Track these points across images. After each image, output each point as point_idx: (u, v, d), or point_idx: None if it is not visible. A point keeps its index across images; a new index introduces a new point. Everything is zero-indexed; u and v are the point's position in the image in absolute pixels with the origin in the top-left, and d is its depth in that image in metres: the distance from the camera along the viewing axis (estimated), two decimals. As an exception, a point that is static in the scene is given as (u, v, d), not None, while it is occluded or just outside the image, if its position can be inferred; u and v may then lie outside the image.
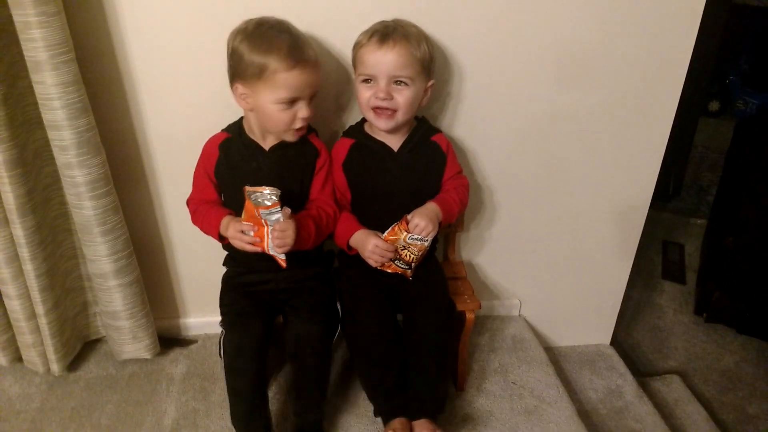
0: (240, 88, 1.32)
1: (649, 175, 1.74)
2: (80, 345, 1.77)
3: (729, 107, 4.02)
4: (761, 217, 2.20)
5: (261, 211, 1.24)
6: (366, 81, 1.36)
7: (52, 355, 1.63)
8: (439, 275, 1.57)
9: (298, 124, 1.33)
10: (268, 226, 1.26)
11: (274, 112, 1.30)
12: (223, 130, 1.44)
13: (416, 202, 1.43)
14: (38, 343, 1.63)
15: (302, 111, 1.31)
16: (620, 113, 1.63)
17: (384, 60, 1.32)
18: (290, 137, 1.36)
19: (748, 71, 3.98)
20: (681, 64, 1.57)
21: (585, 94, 1.59)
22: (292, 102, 1.30)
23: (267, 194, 1.23)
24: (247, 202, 1.25)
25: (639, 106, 1.63)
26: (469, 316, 1.57)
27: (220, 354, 1.42)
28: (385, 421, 1.43)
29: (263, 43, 1.26)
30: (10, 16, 1.25)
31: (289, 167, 1.41)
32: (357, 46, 1.37)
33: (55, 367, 1.65)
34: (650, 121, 1.65)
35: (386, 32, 1.33)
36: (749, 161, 2.37)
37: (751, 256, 2.25)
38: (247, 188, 1.24)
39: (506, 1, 1.45)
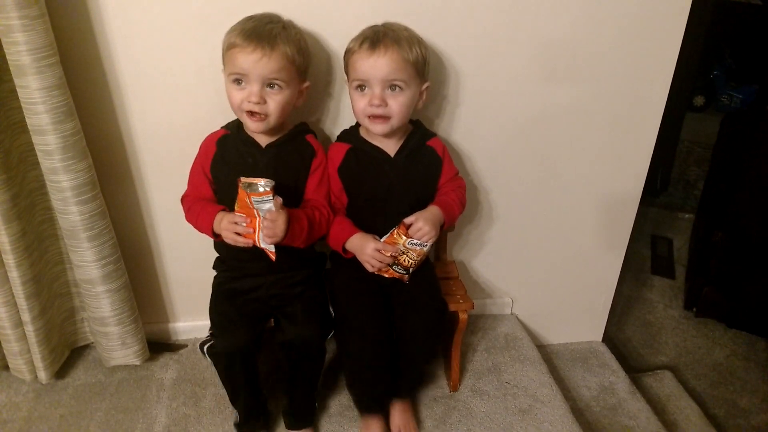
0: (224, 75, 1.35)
1: (639, 171, 1.75)
2: (68, 352, 1.75)
3: (714, 102, 4.05)
4: (749, 212, 2.22)
5: (253, 198, 1.22)
6: (360, 87, 1.35)
7: (39, 363, 1.61)
8: (431, 277, 1.55)
9: (246, 107, 1.30)
10: (260, 216, 1.25)
11: (228, 89, 1.32)
12: (222, 127, 1.43)
13: (413, 207, 1.41)
14: (25, 350, 1.61)
15: (251, 94, 1.29)
16: (610, 109, 1.63)
17: (376, 65, 1.30)
18: (247, 121, 1.34)
19: (733, 66, 4.01)
20: (669, 59, 1.57)
21: (575, 91, 1.59)
22: (239, 81, 1.29)
23: (261, 183, 1.22)
24: (240, 191, 1.24)
25: (628, 102, 1.63)
26: (462, 316, 1.57)
27: (203, 352, 1.43)
28: (363, 413, 1.54)
29: (232, 26, 1.30)
30: (-8, 20, 1.22)
31: (285, 165, 1.40)
32: (348, 53, 1.36)
33: (43, 375, 1.63)
34: (640, 116, 1.66)
35: (376, 38, 1.31)
36: (736, 156, 2.38)
37: (739, 250, 2.26)
38: (242, 179, 1.23)
39: (496, 1, 1.44)
